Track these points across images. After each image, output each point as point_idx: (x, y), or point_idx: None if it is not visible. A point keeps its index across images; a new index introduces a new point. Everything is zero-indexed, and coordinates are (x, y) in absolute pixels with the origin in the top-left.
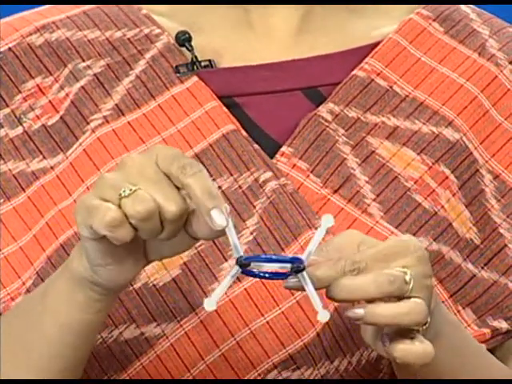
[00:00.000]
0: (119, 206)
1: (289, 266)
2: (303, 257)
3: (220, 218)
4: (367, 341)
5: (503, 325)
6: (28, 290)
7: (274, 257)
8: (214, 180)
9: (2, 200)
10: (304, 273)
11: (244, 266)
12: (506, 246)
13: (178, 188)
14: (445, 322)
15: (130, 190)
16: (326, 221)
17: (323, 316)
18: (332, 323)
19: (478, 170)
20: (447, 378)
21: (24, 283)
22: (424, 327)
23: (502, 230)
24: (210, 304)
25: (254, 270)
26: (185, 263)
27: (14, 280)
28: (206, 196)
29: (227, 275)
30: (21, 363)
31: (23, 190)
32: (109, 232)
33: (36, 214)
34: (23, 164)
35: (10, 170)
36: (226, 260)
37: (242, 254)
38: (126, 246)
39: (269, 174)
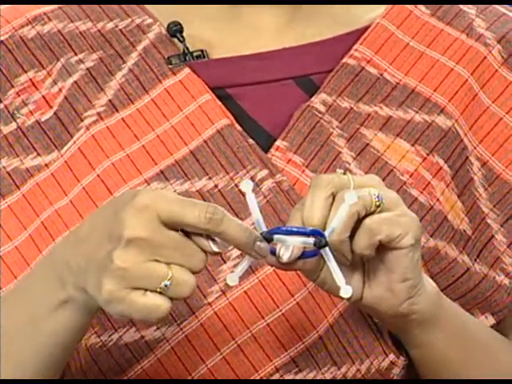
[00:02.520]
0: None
1: (311, 241)
2: (326, 233)
3: (264, 247)
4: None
5: (490, 319)
6: None
7: (294, 229)
8: (210, 178)
9: None
10: (327, 248)
11: (266, 240)
12: (493, 236)
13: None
14: (445, 306)
15: (167, 280)
16: (349, 197)
17: (346, 291)
18: (338, 329)
19: (467, 158)
20: (450, 361)
21: None
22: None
23: (489, 221)
24: (232, 279)
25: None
26: None
27: (10, 281)
28: (245, 237)
29: None
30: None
31: (18, 187)
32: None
33: (31, 213)
34: (17, 161)
35: (4, 167)
36: (225, 262)
37: (264, 229)
38: None
39: (265, 172)
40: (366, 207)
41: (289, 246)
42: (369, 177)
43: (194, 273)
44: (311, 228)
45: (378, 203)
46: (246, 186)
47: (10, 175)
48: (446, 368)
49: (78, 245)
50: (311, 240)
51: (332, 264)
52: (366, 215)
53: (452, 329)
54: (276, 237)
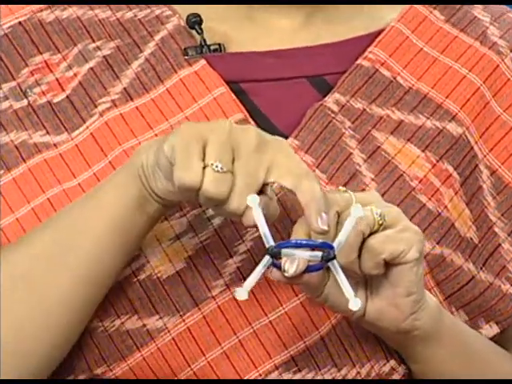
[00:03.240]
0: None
1: (319, 255)
2: (334, 244)
3: (325, 218)
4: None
5: (494, 328)
6: None
7: (303, 241)
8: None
9: (2, 171)
10: (335, 261)
11: (274, 255)
12: (499, 245)
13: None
14: (446, 321)
15: (222, 168)
16: (356, 211)
17: (355, 304)
18: (340, 330)
19: (477, 166)
20: (451, 376)
21: None
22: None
23: (496, 229)
24: (241, 293)
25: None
26: (189, 257)
27: None
28: (317, 200)
29: (259, 265)
30: (59, 267)
31: (24, 160)
32: (178, 188)
33: (36, 187)
34: (25, 135)
35: (11, 140)
36: (232, 256)
37: (272, 243)
38: None
39: None
40: (370, 226)
41: (294, 260)
42: (369, 193)
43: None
44: (321, 241)
45: (380, 221)
46: (253, 200)
47: (17, 148)
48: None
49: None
50: (319, 254)
51: (340, 276)
52: (370, 234)
53: (453, 344)
54: (284, 251)
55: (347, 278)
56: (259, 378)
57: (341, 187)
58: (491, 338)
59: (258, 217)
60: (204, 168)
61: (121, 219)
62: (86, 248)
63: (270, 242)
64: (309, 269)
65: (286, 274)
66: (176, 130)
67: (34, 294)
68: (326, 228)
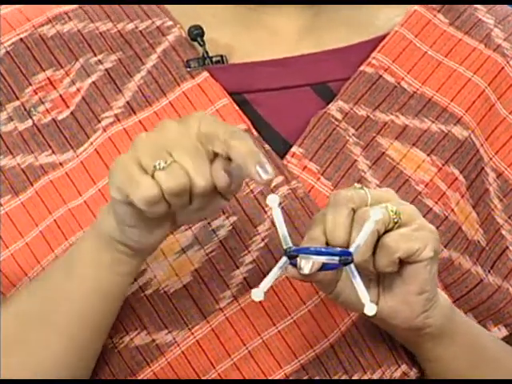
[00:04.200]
0: (152, 177)
1: (337, 258)
2: (351, 249)
3: (267, 167)
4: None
5: (503, 331)
6: None
7: (323, 249)
8: None
9: (10, 196)
10: (352, 265)
11: (292, 257)
12: (507, 248)
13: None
14: (458, 320)
15: (165, 162)
16: (375, 214)
17: (370, 309)
18: (350, 337)
19: (483, 168)
20: (462, 375)
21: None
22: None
23: (503, 232)
24: (257, 295)
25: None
26: (196, 270)
27: (21, 277)
28: (251, 154)
29: (275, 266)
30: (50, 328)
31: (31, 184)
32: (145, 207)
33: (43, 210)
34: (31, 157)
35: (18, 164)
36: (238, 267)
37: (290, 244)
38: None
39: (280, 179)
40: (385, 224)
41: (310, 259)
42: (384, 190)
43: (195, 193)
44: (340, 249)
45: (395, 219)
46: (273, 200)
47: (24, 172)
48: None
49: None
50: (336, 258)
51: (357, 281)
52: (385, 232)
53: (464, 343)
54: (301, 256)
55: (363, 281)
56: None
57: (356, 184)
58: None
59: (277, 217)
60: (153, 177)
61: (100, 288)
62: (72, 313)
63: (288, 243)
64: (324, 267)
65: (301, 272)
66: (109, 174)
67: (30, 357)
68: (270, 177)
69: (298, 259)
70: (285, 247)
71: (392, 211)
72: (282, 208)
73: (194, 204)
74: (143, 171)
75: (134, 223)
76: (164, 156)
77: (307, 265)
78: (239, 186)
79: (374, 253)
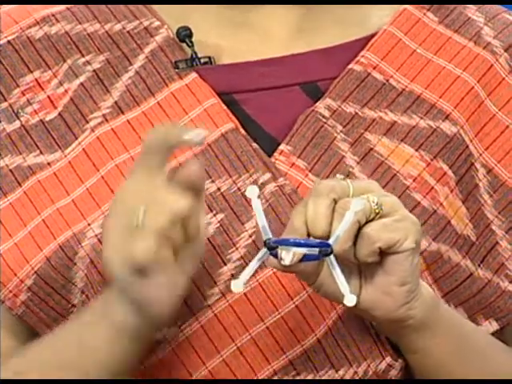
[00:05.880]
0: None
1: (316, 250)
2: (331, 241)
3: (197, 130)
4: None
5: (494, 325)
6: (29, 289)
7: (302, 241)
8: (213, 181)
9: None
10: (331, 256)
11: (271, 248)
12: (497, 243)
13: None
14: (442, 312)
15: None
16: (355, 204)
17: (350, 300)
18: (336, 331)
19: (473, 164)
20: (446, 367)
21: (22, 281)
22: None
23: (493, 227)
24: (237, 286)
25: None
26: None
27: (11, 277)
28: (174, 130)
29: (256, 257)
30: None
31: (19, 184)
32: (154, 259)
33: (32, 210)
34: (20, 159)
35: (6, 165)
36: (225, 264)
37: (270, 235)
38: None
39: (268, 176)
40: (366, 215)
41: (290, 250)
42: (368, 182)
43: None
44: (319, 241)
45: (377, 210)
46: (252, 191)
47: (12, 173)
48: (443, 374)
49: None
50: (316, 249)
51: (337, 272)
52: (366, 222)
53: (449, 335)
54: (281, 247)
55: (343, 273)
56: None
57: (338, 175)
58: (491, 335)
59: (256, 208)
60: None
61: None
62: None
63: (268, 234)
64: (305, 258)
65: (282, 263)
66: (108, 264)
67: None
68: (200, 138)
69: (279, 250)
70: (264, 238)
71: (373, 202)
72: (270, 205)
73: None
74: (131, 235)
75: (148, 292)
76: (133, 213)
77: (288, 256)
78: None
79: (355, 243)
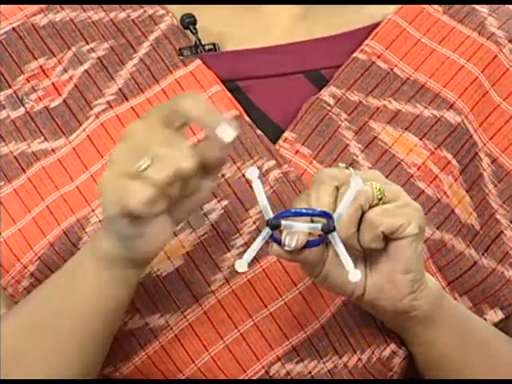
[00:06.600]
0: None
1: (319, 226)
2: (334, 216)
3: (230, 128)
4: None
5: (498, 314)
6: (32, 275)
7: (303, 210)
8: None
9: (2, 183)
10: (334, 233)
11: (274, 227)
12: (502, 232)
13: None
14: (447, 305)
15: (147, 161)
16: (355, 183)
17: (355, 275)
18: (340, 318)
19: (477, 154)
20: (451, 359)
21: (25, 267)
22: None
23: (498, 216)
24: (241, 265)
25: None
26: (187, 253)
27: (14, 263)
28: (210, 114)
29: (259, 236)
30: (58, 336)
31: (24, 171)
32: (146, 210)
33: (36, 196)
34: (24, 145)
35: (11, 151)
36: (229, 250)
37: (271, 215)
38: None
39: (272, 163)
40: (369, 200)
41: (294, 234)
42: (371, 172)
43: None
44: (320, 209)
45: (379, 196)
46: (252, 172)
47: (16, 159)
48: (447, 366)
49: None
50: (319, 225)
51: (340, 248)
52: (369, 209)
53: (453, 327)
54: (284, 223)
55: (347, 250)
56: (262, 370)
57: (341, 164)
58: (496, 325)
59: (257, 189)
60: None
61: (104, 307)
62: (77, 322)
63: (269, 214)
64: (309, 244)
65: (286, 248)
66: (100, 194)
67: (42, 364)
68: (234, 133)
69: (283, 235)
70: (266, 218)
71: (376, 188)
72: (274, 191)
73: (188, 188)
74: (131, 179)
75: (136, 233)
76: (143, 157)
77: (292, 240)
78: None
79: (358, 230)
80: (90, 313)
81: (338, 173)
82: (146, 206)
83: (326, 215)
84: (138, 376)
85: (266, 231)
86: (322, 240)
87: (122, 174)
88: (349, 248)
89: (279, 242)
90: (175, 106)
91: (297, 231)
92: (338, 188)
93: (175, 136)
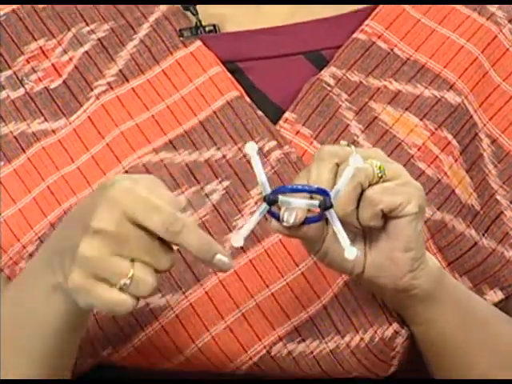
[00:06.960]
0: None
1: (316, 203)
2: (332, 192)
3: (227, 260)
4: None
5: (498, 294)
6: (30, 255)
7: (300, 186)
8: (218, 149)
9: (2, 163)
10: (332, 210)
11: (272, 203)
12: (502, 212)
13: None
14: (447, 284)
15: (127, 278)
16: (354, 160)
17: (351, 252)
18: (342, 298)
19: (477, 134)
20: (451, 338)
21: (24, 247)
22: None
23: (498, 197)
24: (237, 240)
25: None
26: None
27: (13, 243)
28: (204, 251)
29: (256, 212)
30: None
31: (23, 151)
32: (117, 311)
33: (36, 177)
34: (24, 125)
35: (11, 131)
36: (231, 230)
37: (269, 191)
38: None
39: (273, 143)
40: (369, 178)
41: (292, 210)
42: (372, 150)
43: (159, 272)
44: (317, 186)
45: (379, 174)
46: (251, 148)
47: (16, 139)
48: (448, 345)
49: (63, 229)
50: (316, 202)
51: (337, 225)
52: (369, 186)
53: (454, 306)
54: (281, 199)
55: (344, 228)
56: (264, 351)
57: (342, 141)
58: (495, 305)
59: (256, 165)
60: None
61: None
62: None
63: (267, 189)
64: (307, 220)
65: (284, 224)
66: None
67: None
68: (231, 264)
69: (282, 212)
70: (264, 194)
71: (376, 166)
72: (275, 172)
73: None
74: (108, 285)
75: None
76: (124, 267)
77: (290, 216)
78: None
79: (358, 208)
80: (41, 327)
81: (338, 150)
82: (115, 308)
83: (322, 192)
84: (135, 357)
85: (263, 206)
86: (321, 217)
87: (97, 278)
88: (348, 225)
89: (278, 218)
90: (164, 231)
91: (295, 207)
92: (338, 165)
93: (147, 237)
